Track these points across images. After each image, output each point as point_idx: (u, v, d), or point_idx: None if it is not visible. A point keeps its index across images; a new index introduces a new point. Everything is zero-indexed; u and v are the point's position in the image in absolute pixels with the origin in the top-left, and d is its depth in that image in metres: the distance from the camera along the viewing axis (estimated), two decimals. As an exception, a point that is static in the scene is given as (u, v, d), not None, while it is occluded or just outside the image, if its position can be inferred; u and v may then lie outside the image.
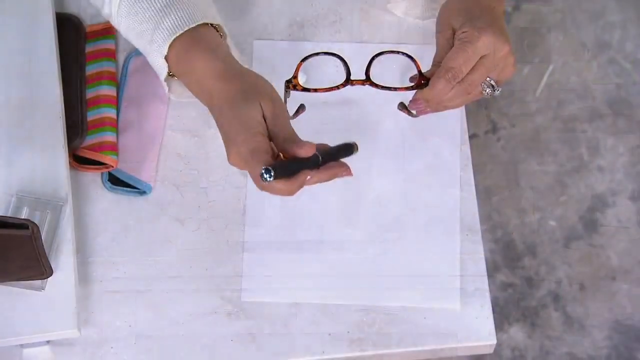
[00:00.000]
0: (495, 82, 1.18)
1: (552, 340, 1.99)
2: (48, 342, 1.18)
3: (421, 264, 1.23)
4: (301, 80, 1.22)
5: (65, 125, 1.24)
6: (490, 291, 1.23)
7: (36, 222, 1.09)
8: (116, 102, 1.29)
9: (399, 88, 1.19)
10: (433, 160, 1.28)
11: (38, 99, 1.25)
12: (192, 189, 1.26)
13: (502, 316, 2.00)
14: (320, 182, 1.11)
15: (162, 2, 1.16)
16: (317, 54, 1.21)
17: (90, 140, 1.26)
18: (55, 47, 1.27)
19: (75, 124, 1.26)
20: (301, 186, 1.08)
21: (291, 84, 1.20)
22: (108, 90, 1.29)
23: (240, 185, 1.26)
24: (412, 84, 1.20)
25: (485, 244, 2.04)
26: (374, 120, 1.29)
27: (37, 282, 1.16)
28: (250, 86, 1.11)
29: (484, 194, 2.08)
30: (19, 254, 1.09)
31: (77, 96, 1.28)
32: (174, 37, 1.15)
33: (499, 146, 2.09)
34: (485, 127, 2.01)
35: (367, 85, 1.19)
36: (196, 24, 1.15)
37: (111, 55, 1.31)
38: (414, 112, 1.22)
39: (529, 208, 2.08)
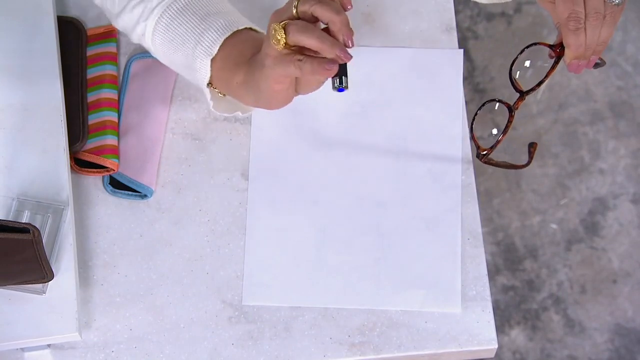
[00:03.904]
0: None
1: (553, 343, 1.99)
2: (49, 345, 1.18)
3: (422, 268, 1.23)
4: None
5: (66, 129, 1.24)
6: (491, 294, 1.23)
7: (37, 225, 1.09)
8: (117, 106, 1.29)
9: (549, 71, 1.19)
10: (434, 163, 1.28)
11: (39, 102, 1.25)
12: (193, 193, 1.26)
13: (503, 319, 2.00)
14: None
15: (203, 12, 1.19)
16: None
17: (92, 143, 1.26)
18: (57, 50, 1.27)
19: (77, 128, 1.26)
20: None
21: None
22: (109, 94, 1.29)
23: (241, 188, 1.26)
24: (553, 59, 1.18)
25: (486, 247, 2.03)
26: (375, 123, 1.29)
27: (38, 286, 1.16)
28: None
29: (485, 196, 2.08)
30: (20, 257, 1.09)
31: (79, 99, 1.28)
32: (225, 37, 1.17)
33: (500, 148, 2.09)
34: (490, 130, 2.00)
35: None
36: (244, 27, 1.19)
37: (112, 58, 1.31)
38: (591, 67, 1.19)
39: (530, 211, 2.08)
